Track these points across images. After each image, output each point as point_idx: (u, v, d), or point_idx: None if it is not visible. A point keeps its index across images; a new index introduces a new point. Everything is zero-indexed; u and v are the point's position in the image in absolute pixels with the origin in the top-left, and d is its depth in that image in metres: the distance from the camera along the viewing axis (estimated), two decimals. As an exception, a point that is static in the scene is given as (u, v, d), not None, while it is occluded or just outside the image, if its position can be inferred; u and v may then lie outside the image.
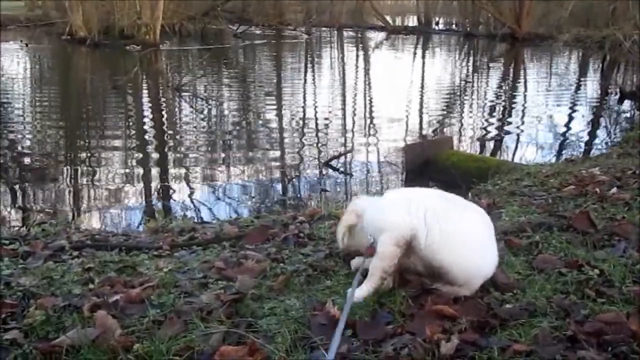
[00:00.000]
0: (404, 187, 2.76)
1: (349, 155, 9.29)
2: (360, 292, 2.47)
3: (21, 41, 27.13)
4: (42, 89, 17.21)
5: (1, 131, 10.76)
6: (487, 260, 2.54)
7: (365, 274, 2.55)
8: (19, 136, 10.62)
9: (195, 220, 5.55)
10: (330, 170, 8.55)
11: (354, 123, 12.25)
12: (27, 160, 9.08)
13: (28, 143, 10.21)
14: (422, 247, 2.48)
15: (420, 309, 2.39)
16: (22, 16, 34.54)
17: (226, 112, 13.30)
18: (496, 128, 11.68)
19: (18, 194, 7.51)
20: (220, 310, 2.41)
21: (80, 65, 22.91)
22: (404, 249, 2.51)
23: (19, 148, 9.69)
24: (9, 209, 6.96)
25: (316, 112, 13.47)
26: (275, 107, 13.90)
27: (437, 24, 47.91)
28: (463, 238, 2.49)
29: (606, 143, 10.38)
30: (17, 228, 5.54)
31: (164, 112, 13.51)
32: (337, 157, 9.05)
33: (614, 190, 4.31)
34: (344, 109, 13.86)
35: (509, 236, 3.22)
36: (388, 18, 46.12)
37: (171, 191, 7.66)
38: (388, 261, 2.51)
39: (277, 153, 9.67)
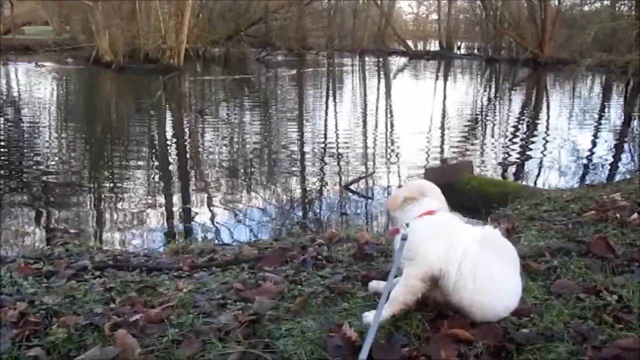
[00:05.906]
0: (449, 215, 2.67)
1: (369, 178, 9.31)
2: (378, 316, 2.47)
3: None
4: (68, 111, 17.55)
5: (28, 152, 10.99)
6: (509, 303, 2.53)
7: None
8: (44, 157, 10.83)
9: (216, 242, 5.59)
10: (350, 194, 8.57)
11: (374, 147, 12.29)
12: (51, 180, 9.23)
13: (53, 164, 10.40)
14: (449, 289, 2.48)
15: (436, 333, 2.39)
16: (50, 40, 35.39)
17: (247, 136, 13.42)
18: (517, 153, 11.63)
19: (42, 213, 7.65)
20: (238, 330, 2.43)
21: (106, 88, 23.31)
22: (429, 285, 2.52)
23: (44, 168, 9.87)
24: (33, 228, 7.09)
25: (337, 135, 13.54)
26: (296, 130, 14.01)
27: (458, 48, 48.17)
28: (491, 287, 2.48)
29: (628, 168, 10.29)
30: (41, 247, 5.64)
31: (186, 136, 13.69)
32: (357, 180, 9.07)
33: (635, 216, 4.26)
34: (365, 133, 13.94)
35: (527, 260, 3.19)
36: (410, 43, 46.43)
37: (192, 213, 7.73)
38: (410, 295, 2.51)
39: (298, 176, 9.72)
